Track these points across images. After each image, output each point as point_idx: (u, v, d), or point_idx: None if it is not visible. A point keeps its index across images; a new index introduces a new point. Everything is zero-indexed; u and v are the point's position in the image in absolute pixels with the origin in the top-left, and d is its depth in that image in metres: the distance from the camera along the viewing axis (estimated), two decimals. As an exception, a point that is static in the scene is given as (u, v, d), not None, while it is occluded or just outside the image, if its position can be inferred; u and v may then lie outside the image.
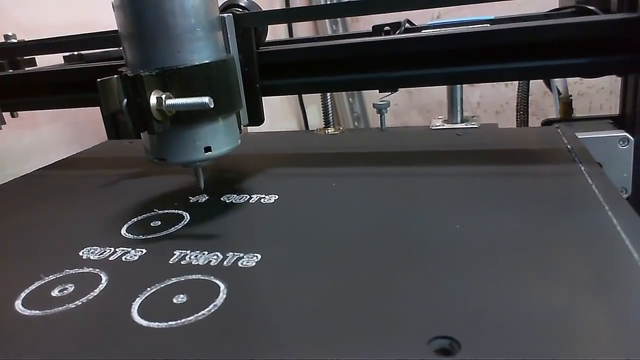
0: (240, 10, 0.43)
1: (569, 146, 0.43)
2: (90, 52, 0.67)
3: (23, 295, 0.28)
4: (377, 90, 0.51)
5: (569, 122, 0.65)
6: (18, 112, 0.59)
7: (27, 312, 0.26)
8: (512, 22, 0.54)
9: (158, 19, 0.34)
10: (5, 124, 0.53)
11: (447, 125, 0.56)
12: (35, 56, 0.63)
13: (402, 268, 0.27)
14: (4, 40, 0.60)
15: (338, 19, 1.08)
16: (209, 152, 0.36)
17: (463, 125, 0.55)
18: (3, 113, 0.54)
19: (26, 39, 0.60)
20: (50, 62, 0.65)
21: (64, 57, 0.69)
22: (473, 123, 0.55)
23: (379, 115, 0.59)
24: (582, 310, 0.22)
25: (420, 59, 0.42)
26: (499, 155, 0.44)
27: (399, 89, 0.50)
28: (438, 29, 0.56)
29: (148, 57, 0.34)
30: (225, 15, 0.40)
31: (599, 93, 1.01)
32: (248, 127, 0.64)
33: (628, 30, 0.37)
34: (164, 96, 0.33)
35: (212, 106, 0.32)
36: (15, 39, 0.61)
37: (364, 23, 0.88)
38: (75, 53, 0.68)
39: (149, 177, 0.46)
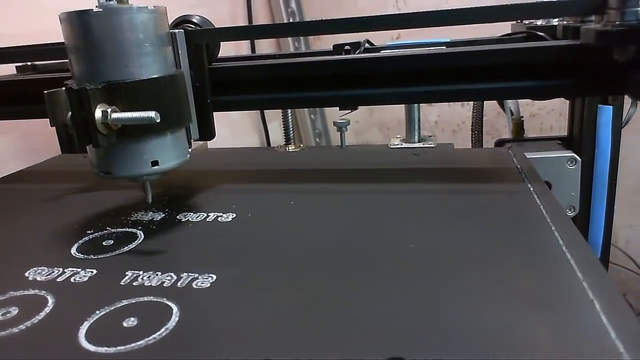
0: (193, 26, 0.43)
1: (518, 166, 0.44)
2: (45, 63, 0.66)
3: (-40, 320, 0.26)
4: (338, 108, 0.52)
5: (521, 141, 0.68)
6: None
7: (-35, 338, 0.25)
8: (467, 45, 0.56)
9: (105, 33, 0.34)
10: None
11: (404, 145, 0.57)
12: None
13: (356, 287, 0.27)
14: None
15: (301, 37, 1.09)
16: (156, 167, 0.36)
17: (420, 145, 0.56)
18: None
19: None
20: (2, 72, 0.63)
21: (16, 67, 0.66)
22: (430, 143, 0.57)
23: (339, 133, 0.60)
24: (526, 324, 0.23)
25: (378, 79, 0.43)
26: (453, 174, 0.45)
27: (360, 107, 0.51)
28: (396, 50, 0.58)
29: (95, 70, 0.34)
30: (176, 31, 0.40)
31: (549, 114, 1.06)
32: (208, 143, 0.64)
33: (571, 56, 0.39)
34: (109, 110, 0.33)
35: (158, 121, 0.32)
36: (-37, 48, 0.59)
37: (326, 42, 0.89)
38: (29, 63, 0.66)
39: (103, 193, 0.45)
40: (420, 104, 0.59)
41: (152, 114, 0.32)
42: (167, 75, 0.36)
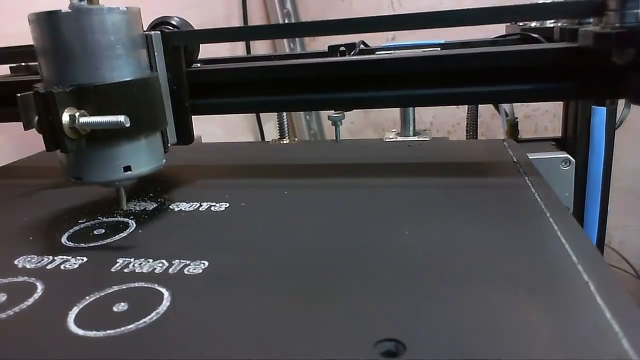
0: (171, 28, 0.42)
1: (514, 158, 0.44)
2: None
3: (-53, 306, 0.26)
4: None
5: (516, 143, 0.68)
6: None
7: (-48, 322, 0.24)
8: (461, 47, 0.56)
9: (75, 35, 0.33)
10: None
11: (399, 138, 0.57)
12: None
13: (349, 274, 0.27)
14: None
15: (296, 38, 1.09)
16: (129, 172, 0.36)
17: (415, 138, 0.56)
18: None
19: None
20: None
21: (10, 67, 0.66)
22: (425, 136, 0.57)
23: (334, 127, 0.60)
24: (522, 311, 0.23)
25: (373, 81, 0.42)
26: (449, 166, 0.45)
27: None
28: (391, 52, 0.58)
29: (64, 73, 0.33)
30: (152, 32, 0.39)
31: (543, 116, 1.07)
32: (202, 137, 0.63)
33: (569, 59, 0.38)
34: (77, 114, 0.32)
35: (127, 125, 0.31)
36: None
37: (320, 43, 0.89)
38: (23, 64, 0.65)
39: (93, 186, 0.44)
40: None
41: (121, 118, 0.31)
42: (140, 79, 0.35)
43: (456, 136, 1.09)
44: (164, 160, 0.39)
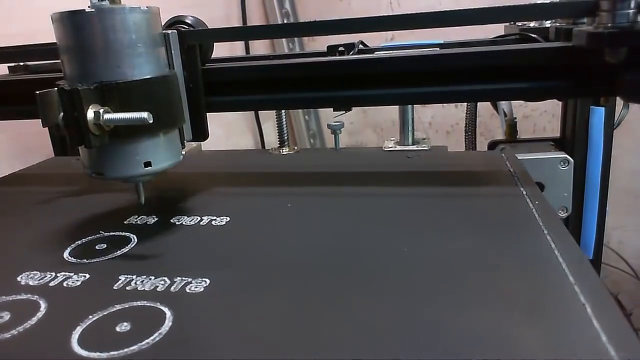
0: (186, 27, 0.43)
1: (511, 169, 0.45)
2: (37, 64, 0.65)
3: (-48, 325, 0.26)
4: (332, 109, 0.52)
5: (514, 143, 0.69)
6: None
7: (-45, 344, 0.25)
8: (460, 47, 0.56)
9: (98, 33, 0.33)
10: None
11: (398, 147, 0.57)
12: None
13: (352, 292, 0.27)
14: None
15: (295, 38, 1.09)
16: (149, 167, 0.36)
17: (414, 147, 0.56)
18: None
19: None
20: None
21: (8, 67, 0.66)
22: (423, 145, 0.57)
23: (333, 135, 0.60)
24: (518, 327, 0.23)
25: (372, 80, 0.43)
26: (447, 177, 0.45)
27: (354, 108, 0.51)
28: (390, 51, 0.58)
29: (87, 71, 0.34)
30: (169, 31, 0.40)
31: (542, 116, 1.07)
32: (202, 144, 0.63)
33: (563, 58, 0.39)
34: (101, 110, 0.32)
35: (150, 121, 0.32)
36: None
37: (320, 43, 0.89)
38: (21, 64, 0.65)
39: (96, 196, 0.45)
40: (414, 105, 0.59)
41: (144, 114, 0.32)
42: (160, 76, 0.36)
43: (455, 136, 1.09)
44: (182, 156, 0.39)
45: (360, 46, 0.62)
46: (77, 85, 0.32)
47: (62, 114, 0.32)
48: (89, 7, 0.33)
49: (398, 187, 0.43)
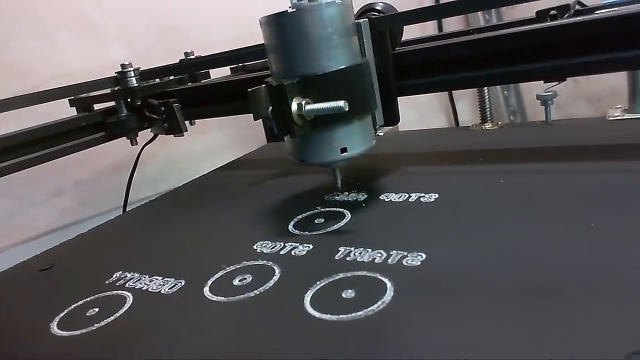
0: (376, 14, 0.44)
1: None
2: (253, 63, 0.73)
3: (210, 282, 0.31)
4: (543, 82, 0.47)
5: None
6: (195, 120, 0.67)
7: (214, 297, 0.29)
8: None
9: (298, 30, 0.36)
10: (187, 131, 0.60)
11: (627, 115, 0.49)
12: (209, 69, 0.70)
13: (585, 271, 0.24)
14: (184, 57, 0.69)
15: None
16: (345, 153, 0.38)
17: (650, 114, 0.48)
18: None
19: (202, 55, 0.68)
20: (221, 73, 0.72)
21: (230, 68, 0.76)
22: (662, 111, 0.48)
23: (543, 107, 0.55)
24: None
25: (595, 44, 0.38)
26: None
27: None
28: (614, 9, 0.50)
29: (290, 66, 0.37)
30: (360, 20, 0.41)
31: None
32: (398, 126, 0.64)
33: None
34: (303, 102, 0.35)
35: (346, 109, 0.33)
36: (193, 55, 0.69)
37: (520, 10, 0.81)
38: (240, 64, 0.74)
39: (305, 177, 0.48)
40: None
41: (341, 103, 0.33)
42: (354, 65, 0.37)
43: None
44: (374, 141, 0.41)
45: (577, 7, 0.55)
46: (282, 80, 0.35)
47: (270, 107, 0.35)
48: (290, 7, 0.36)
49: (634, 162, 0.37)
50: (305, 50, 0.36)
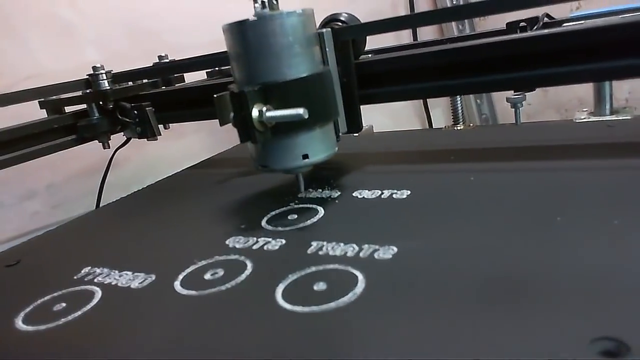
0: (340, 24, 0.45)
1: None
2: (229, 67, 0.73)
3: (181, 277, 0.30)
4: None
5: None
6: (170, 125, 0.67)
7: (185, 291, 0.29)
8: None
9: (260, 39, 0.36)
10: (160, 135, 0.59)
11: (593, 118, 0.51)
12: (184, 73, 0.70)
13: (550, 264, 0.25)
14: (158, 61, 0.68)
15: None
16: (307, 160, 0.38)
17: (612, 117, 0.50)
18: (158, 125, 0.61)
19: (176, 59, 0.68)
20: (196, 77, 0.72)
21: (206, 72, 0.75)
22: (625, 115, 0.50)
23: (512, 110, 0.56)
24: None
25: (562, 56, 0.39)
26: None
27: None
28: (583, 22, 0.52)
29: (251, 74, 0.37)
30: (323, 30, 0.42)
31: None
32: (373, 127, 0.64)
33: None
34: (264, 109, 0.35)
35: (306, 117, 0.34)
36: (168, 59, 0.69)
37: (492, 21, 0.84)
38: (216, 69, 0.74)
39: (280, 175, 0.48)
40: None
41: (300, 110, 0.34)
42: (315, 74, 0.38)
43: (661, 112, 0.93)
44: (337, 148, 0.42)
45: (546, 19, 0.57)
46: (244, 87, 0.36)
47: (232, 114, 0.36)
48: (253, 15, 0.36)
49: (599, 160, 0.38)
50: (267, 58, 0.37)
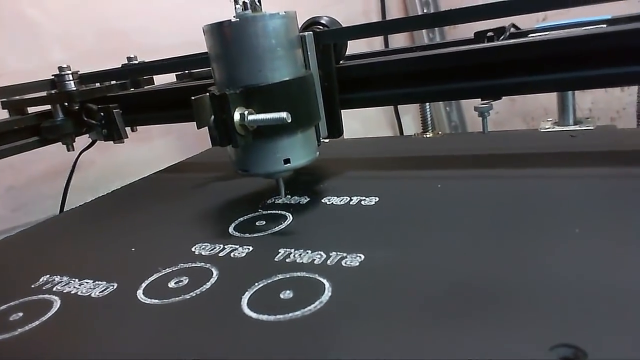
0: (321, 27, 0.45)
1: None
2: (199, 70, 0.72)
3: (144, 285, 0.30)
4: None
5: None
6: (137, 127, 0.65)
7: (148, 300, 0.28)
8: (632, 22, 0.49)
9: (242, 41, 0.36)
10: (127, 137, 0.58)
11: (557, 128, 0.52)
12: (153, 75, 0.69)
13: (512, 273, 0.25)
14: (127, 62, 0.67)
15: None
16: (288, 164, 0.38)
17: (576, 127, 0.51)
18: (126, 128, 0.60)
19: (145, 60, 0.66)
20: (165, 79, 0.71)
21: (176, 75, 0.74)
22: (588, 125, 0.51)
23: (480, 119, 0.57)
24: None
25: (528, 65, 0.40)
26: (621, 157, 0.40)
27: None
28: (547, 33, 0.53)
29: (233, 76, 0.36)
30: (305, 33, 0.41)
31: None
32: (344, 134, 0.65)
33: None
34: (246, 112, 0.35)
35: (289, 121, 0.33)
36: (137, 60, 0.67)
37: (461, 30, 0.85)
38: (186, 71, 0.73)
39: (250, 180, 0.48)
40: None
41: (283, 114, 0.33)
42: (298, 77, 0.37)
43: (621, 124, 0.96)
44: (318, 153, 0.41)
45: (512, 30, 0.58)
46: (225, 90, 0.35)
47: (212, 116, 0.35)
48: (234, 16, 0.36)
49: (562, 168, 0.39)
50: (249, 61, 0.36)
